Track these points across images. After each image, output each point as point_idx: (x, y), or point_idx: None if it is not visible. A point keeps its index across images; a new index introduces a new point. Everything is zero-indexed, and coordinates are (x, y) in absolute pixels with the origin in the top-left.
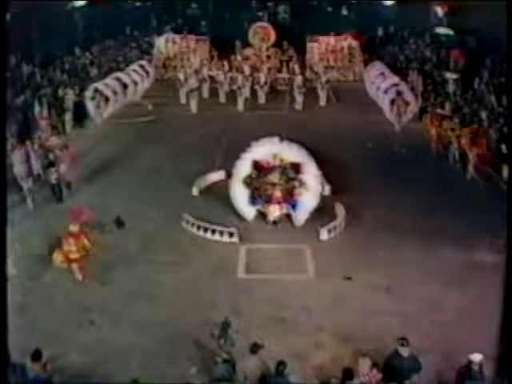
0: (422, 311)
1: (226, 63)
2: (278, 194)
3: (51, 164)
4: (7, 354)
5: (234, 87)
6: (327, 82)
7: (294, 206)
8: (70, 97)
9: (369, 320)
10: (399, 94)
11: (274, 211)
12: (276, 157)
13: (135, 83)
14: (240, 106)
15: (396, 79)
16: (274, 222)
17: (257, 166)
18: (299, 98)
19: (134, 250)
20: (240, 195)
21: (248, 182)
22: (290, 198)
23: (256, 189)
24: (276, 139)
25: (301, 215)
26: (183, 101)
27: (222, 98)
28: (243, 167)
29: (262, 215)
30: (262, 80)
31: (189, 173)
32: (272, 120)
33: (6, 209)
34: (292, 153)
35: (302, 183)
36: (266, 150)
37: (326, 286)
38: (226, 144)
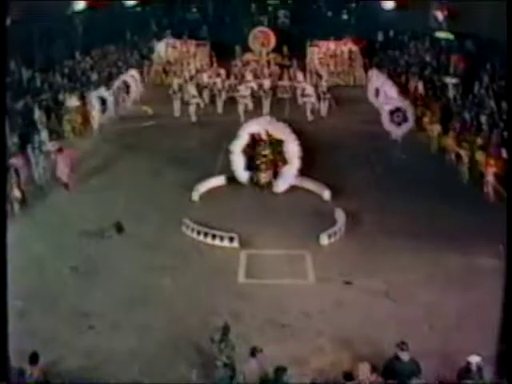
0: (422, 316)
1: (223, 71)
2: (265, 164)
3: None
4: (7, 360)
5: (236, 95)
6: (328, 89)
7: (275, 175)
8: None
9: (369, 325)
10: (399, 109)
11: (262, 178)
12: (266, 132)
13: (128, 92)
14: (240, 115)
15: (396, 98)
16: (262, 187)
17: (252, 138)
18: (309, 106)
19: (134, 255)
20: (238, 162)
21: (245, 151)
22: (273, 169)
23: (250, 157)
24: (268, 117)
25: (281, 184)
26: (177, 114)
27: (220, 108)
28: (242, 138)
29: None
30: (267, 86)
31: (189, 178)
32: None
33: (6, 215)
34: (279, 130)
35: (283, 157)
36: (260, 125)
37: (326, 290)
38: (226, 149)
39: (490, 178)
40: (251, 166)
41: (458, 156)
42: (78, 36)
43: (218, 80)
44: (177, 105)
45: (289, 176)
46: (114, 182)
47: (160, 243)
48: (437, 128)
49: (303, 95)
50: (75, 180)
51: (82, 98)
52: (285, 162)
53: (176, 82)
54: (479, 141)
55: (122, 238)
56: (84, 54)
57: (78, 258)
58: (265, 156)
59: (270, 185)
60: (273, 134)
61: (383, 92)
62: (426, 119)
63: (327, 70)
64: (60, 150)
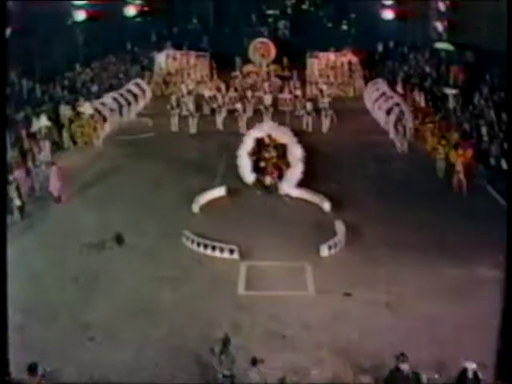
0: (422, 327)
1: (223, 86)
2: (269, 167)
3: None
4: (8, 371)
5: (236, 107)
6: (330, 105)
7: (280, 178)
8: (66, 113)
9: (369, 336)
10: (402, 113)
11: (268, 180)
12: (270, 137)
13: (129, 103)
14: (242, 128)
15: (397, 99)
16: (267, 188)
17: (257, 142)
18: (309, 120)
19: (134, 266)
20: (245, 164)
21: (251, 154)
22: (277, 171)
23: (256, 160)
24: (271, 122)
25: (286, 186)
26: (174, 129)
27: (220, 125)
28: (248, 142)
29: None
30: (268, 102)
31: (189, 189)
32: None
33: (7, 227)
34: (282, 135)
35: (287, 160)
36: (264, 130)
37: (326, 302)
38: (226, 161)
39: (459, 168)
40: (257, 168)
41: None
42: (78, 47)
43: (219, 95)
44: (174, 120)
45: (293, 178)
46: (115, 193)
47: (160, 255)
48: (436, 138)
49: (304, 108)
50: (68, 193)
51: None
52: (288, 165)
53: (174, 97)
54: (454, 136)
55: (123, 250)
56: (84, 65)
57: (78, 270)
58: (269, 159)
59: (275, 187)
60: (276, 139)
61: (383, 97)
62: (425, 129)
63: (327, 82)
64: (52, 164)
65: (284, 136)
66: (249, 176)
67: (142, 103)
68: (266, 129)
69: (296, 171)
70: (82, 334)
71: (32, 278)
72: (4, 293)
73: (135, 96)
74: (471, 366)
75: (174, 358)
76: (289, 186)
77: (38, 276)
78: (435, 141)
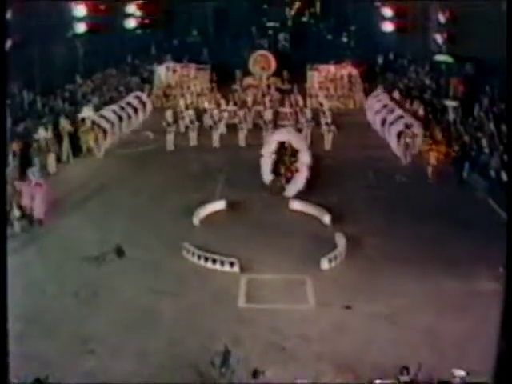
0: (422, 340)
1: (222, 100)
2: (285, 170)
3: None
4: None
5: (235, 121)
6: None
7: (288, 181)
8: (65, 126)
9: (369, 349)
10: (407, 126)
11: (282, 182)
12: (286, 142)
13: (129, 116)
14: (242, 142)
15: (400, 111)
16: (278, 188)
17: (279, 145)
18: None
19: (135, 279)
20: (266, 165)
21: (272, 156)
22: (289, 175)
23: (275, 162)
24: (291, 128)
25: (292, 189)
26: (170, 147)
27: (216, 142)
28: (270, 145)
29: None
30: (268, 117)
31: (189, 202)
32: None
33: (7, 238)
34: (297, 141)
35: (296, 165)
36: (285, 134)
37: (326, 315)
38: (226, 174)
39: (432, 161)
40: (275, 170)
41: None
42: (78, 59)
43: (216, 111)
44: (170, 137)
45: (299, 182)
46: (115, 206)
47: (160, 267)
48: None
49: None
50: (68, 206)
51: (83, 120)
52: (297, 169)
53: (169, 113)
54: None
55: (123, 262)
56: (85, 77)
57: (78, 282)
58: (286, 162)
59: (282, 189)
60: (292, 144)
61: (385, 109)
62: (426, 142)
63: (327, 94)
64: (39, 185)
65: (299, 142)
66: (267, 175)
67: (142, 116)
68: (287, 133)
69: (302, 176)
70: (82, 346)
71: (33, 290)
72: (4, 305)
73: (135, 109)
74: (459, 374)
75: (174, 370)
76: (295, 190)
77: (39, 288)
78: (426, 148)
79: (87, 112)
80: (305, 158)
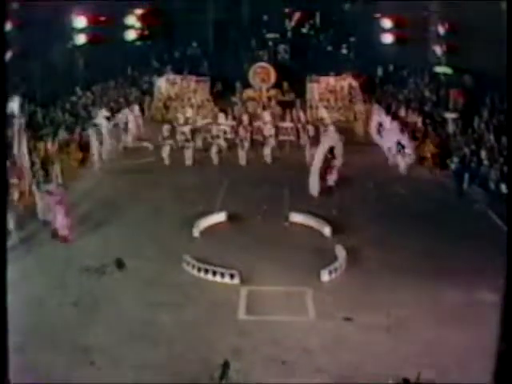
0: (422, 351)
1: (221, 114)
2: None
3: None
4: None
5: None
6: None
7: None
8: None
9: (369, 361)
10: (402, 147)
11: (330, 181)
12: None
13: (128, 128)
14: (242, 160)
15: (398, 134)
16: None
17: (329, 148)
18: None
19: (135, 291)
20: (314, 180)
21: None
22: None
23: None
24: (332, 128)
25: (330, 180)
26: (166, 162)
27: (215, 160)
28: (323, 147)
29: None
30: (269, 132)
31: (189, 214)
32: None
33: (7, 249)
34: (337, 141)
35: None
36: (334, 139)
37: (326, 327)
38: (227, 186)
39: (428, 156)
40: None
41: None
42: (78, 71)
43: (214, 127)
44: (165, 152)
45: (334, 174)
46: (115, 218)
47: (161, 280)
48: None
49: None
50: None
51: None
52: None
53: (166, 127)
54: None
55: (123, 274)
56: (85, 89)
57: (78, 294)
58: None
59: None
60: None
61: (384, 128)
62: (425, 154)
63: (327, 106)
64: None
65: (334, 140)
66: (315, 189)
67: (142, 128)
68: (336, 138)
69: (336, 169)
70: (83, 358)
71: (32, 302)
72: (4, 317)
73: (135, 120)
74: None
75: (173, 382)
76: (332, 181)
77: (39, 300)
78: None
79: (101, 118)
80: (338, 151)
